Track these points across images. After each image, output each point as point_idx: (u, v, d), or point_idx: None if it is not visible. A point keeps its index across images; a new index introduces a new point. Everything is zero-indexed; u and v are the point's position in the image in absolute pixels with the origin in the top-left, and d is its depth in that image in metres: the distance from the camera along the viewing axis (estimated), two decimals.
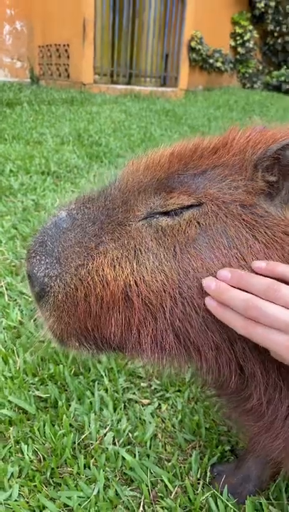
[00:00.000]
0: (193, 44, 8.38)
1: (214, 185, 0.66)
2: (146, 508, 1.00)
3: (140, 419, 1.23)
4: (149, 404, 1.30)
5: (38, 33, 8.41)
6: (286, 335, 0.57)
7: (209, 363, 0.67)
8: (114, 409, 1.25)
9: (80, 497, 0.99)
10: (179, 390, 1.36)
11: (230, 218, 0.64)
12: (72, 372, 1.35)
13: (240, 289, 0.61)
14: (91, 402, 1.25)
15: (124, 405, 1.28)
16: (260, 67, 10.74)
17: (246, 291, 0.60)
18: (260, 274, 0.61)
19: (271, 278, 0.59)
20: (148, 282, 0.66)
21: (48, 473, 1.04)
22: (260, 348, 0.64)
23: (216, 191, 0.65)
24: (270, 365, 0.66)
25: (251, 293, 0.60)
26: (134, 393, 1.32)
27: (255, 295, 0.59)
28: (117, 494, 1.02)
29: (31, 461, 1.06)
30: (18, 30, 8.45)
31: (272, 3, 9.90)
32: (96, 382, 1.32)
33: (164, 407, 1.29)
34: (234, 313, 0.61)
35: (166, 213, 0.67)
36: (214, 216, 0.64)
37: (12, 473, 1.03)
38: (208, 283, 0.62)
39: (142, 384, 1.37)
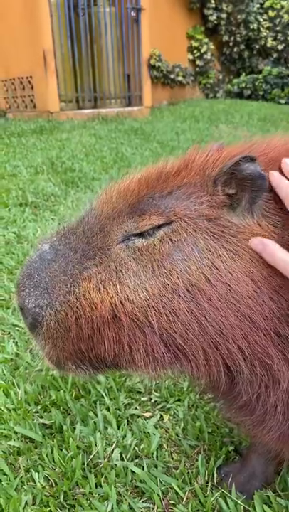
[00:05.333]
0: (152, 62, 8.60)
1: (181, 204, 0.72)
2: None
3: (144, 432, 1.27)
4: (151, 416, 1.33)
5: (0, 68, 8.54)
6: None
7: (199, 367, 0.72)
8: (118, 426, 1.28)
9: None
10: (178, 400, 1.40)
11: (198, 232, 0.70)
12: (74, 396, 1.39)
13: None
14: (95, 423, 1.28)
15: (128, 421, 1.31)
16: (221, 77, 11.05)
17: None
18: None
19: None
20: (132, 300, 0.71)
21: (62, 497, 1.07)
22: (243, 347, 0.70)
23: (183, 209, 0.72)
24: (255, 363, 0.71)
25: None
26: (135, 408, 1.36)
27: None
28: (130, 507, 1.05)
29: (43, 488, 1.09)
30: None
31: (224, 15, 10.25)
32: (98, 403, 1.35)
33: (166, 417, 1.33)
34: None
35: (140, 234, 0.73)
36: (184, 232, 0.70)
37: (26, 502, 1.05)
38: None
39: (143, 398, 1.41)
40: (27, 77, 7.73)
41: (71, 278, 0.74)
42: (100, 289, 0.73)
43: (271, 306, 0.68)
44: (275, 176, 0.72)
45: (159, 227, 0.72)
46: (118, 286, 0.72)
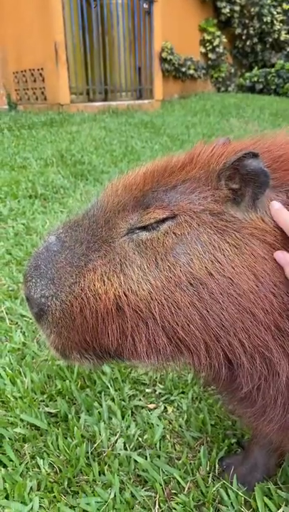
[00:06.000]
0: (164, 55, 8.55)
1: (185, 198, 0.73)
2: (161, 505, 1.05)
3: (148, 423, 1.29)
4: (155, 408, 1.35)
5: (12, 59, 8.56)
6: None
7: (201, 358, 0.73)
8: (123, 417, 1.30)
9: (98, 502, 1.05)
10: (182, 392, 1.42)
11: (202, 226, 0.71)
12: (79, 386, 1.41)
13: None
14: (100, 413, 1.31)
15: (132, 412, 1.33)
16: (232, 70, 10.95)
17: None
18: None
19: None
20: (136, 292, 0.72)
21: (66, 483, 1.09)
22: (244, 340, 0.71)
23: (187, 203, 0.72)
24: (255, 356, 0.72)
25: None
26: (140, 399, 1.38)
27: None
28: (132, 496, 1.07)
29: (48, 474, 1.12)
30: None
31: (237, 8, 10.14)
32: (103, 393, 1.38)
33: (169, 409, 1.35)
34: None
35: (144, 228, 0.74)
36: (188, 226, 0.71)
37: (31, 487, 1.08)
38: None
39: (147, 390, 1.42)
40: (38, 69, 7.75)
41: (76, 269, 0.76)
42: (104, 280, 0.74)
43: (272, 300, 0.69)
44: (275, 209, 0.71)
45: (163, 220, 0.73)
46: (122, 279, 0.73)
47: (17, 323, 1.78)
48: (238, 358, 0.72)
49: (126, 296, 0.73)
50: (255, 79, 10.37)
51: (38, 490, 1.08)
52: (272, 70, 10.19)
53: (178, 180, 0.75)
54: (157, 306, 0.71)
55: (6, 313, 1.82)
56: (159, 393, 1.42)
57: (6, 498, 1.06)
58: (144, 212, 0.74)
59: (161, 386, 1.43)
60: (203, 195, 0.73)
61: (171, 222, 0.72)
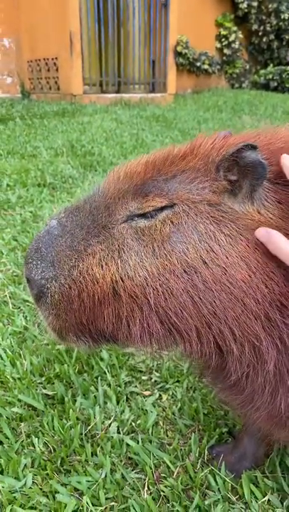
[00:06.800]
0: (179, 49, 8.52)
1: (184, 188, 0.75)
2: (150, 487, 1.08)
3: (142, 409, 1.32)
4: (150, 395, 1.38)
5: (26, 48, 8.56)
6: None
7: (192, 344, 0.76)
8: (118, 402, 1.34)
9: (89, 481, 1.08)
10: (178, 381, 1.44)
11: (199, 216, 0.73)
12: (77, 370, 1.44)
13: None
14: (95, 397, 1.34)
15: (127, 398, 1.36)
16: (247, 67, 10.87)
17: None
18: None
19: None
20: (132, 278, 0.75)
21: (59, 462, 1.13)
22: (234, 328, 0.73)
23: (186, 192, 0.74)
24: (244, 344, 0.74)
25: None
26: (135, 386, 1.41)
27: None
28: (123, 477, 1.10)
29: (42, 453, 1.15)
30: (7, 47, 8.61)
31: (255, 3, 10.05)
32: (99, 378, 1.41)
33: (164, 397, 1.38)
34: None
35: (143, 215, 0.76)
36: (185, 215, 0.73)
37: (25, 464, 1.12)
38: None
39: (143, 377, 1.45)
40: (52, 59, 7.75)
41: (76, 253, 0.78)
42: (102, 265, 0.77)
43: (264, 291, 0.71)
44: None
45: (162, 209, 0.75)
46: (119, 264, 0.76)
47: (19, 307, 1.81)
48: (228, 346, 0.74)
49: (122, 281, 0.75)
50: (270, 76, 10.28)
51: (32, 467, 1.12)
52: (288, 68, 10.10)
53: (178, 170, 0.77)
54: (152, 291, 0.74)
55: (10, 297, 1.86)
56: (155, 381, 1.44)
57: (1, 473, 1.10)
58: (143, 200, 0.76)
59: (157, 374, 1.46)
60: (201, 185, 0.74)
61: (169, 210, 0.74)
